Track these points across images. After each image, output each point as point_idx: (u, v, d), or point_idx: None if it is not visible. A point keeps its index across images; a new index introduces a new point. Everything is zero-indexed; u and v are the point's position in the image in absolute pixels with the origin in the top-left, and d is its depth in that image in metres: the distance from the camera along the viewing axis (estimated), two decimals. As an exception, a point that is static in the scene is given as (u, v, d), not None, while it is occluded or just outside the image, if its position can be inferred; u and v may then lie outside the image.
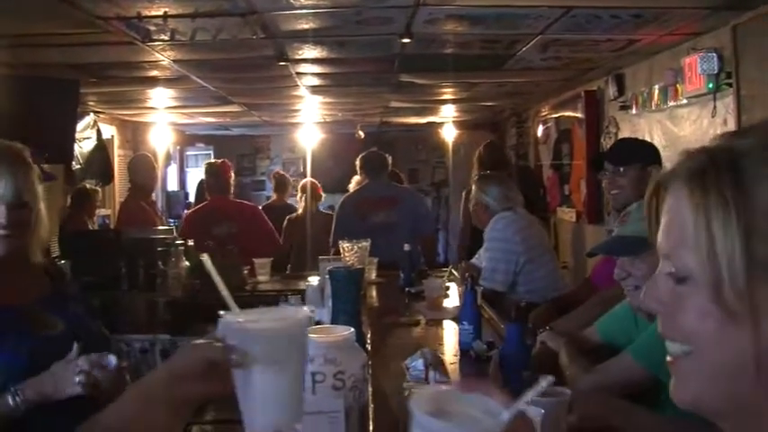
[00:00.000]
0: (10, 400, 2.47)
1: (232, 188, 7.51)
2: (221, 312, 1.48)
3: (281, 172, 11.54)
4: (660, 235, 1.15)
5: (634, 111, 7.00)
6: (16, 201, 2.72)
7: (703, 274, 1.06)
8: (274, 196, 10.63)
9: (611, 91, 7.46)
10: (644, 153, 4.27)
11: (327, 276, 3.13)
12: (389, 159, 7.35)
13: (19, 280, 2.91)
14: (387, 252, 5.84)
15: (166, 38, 5.46)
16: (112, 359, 2.48)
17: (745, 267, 1.03)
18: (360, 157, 7.28)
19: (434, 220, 8.74)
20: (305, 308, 1.49)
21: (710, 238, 1.05)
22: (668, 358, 1.14)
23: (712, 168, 1.09)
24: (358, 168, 7.25)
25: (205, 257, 1.68)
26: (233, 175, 7.60)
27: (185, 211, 12.51)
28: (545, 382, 1.13)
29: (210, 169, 7.58)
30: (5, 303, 2.77)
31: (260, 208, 8.41)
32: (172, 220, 11.01)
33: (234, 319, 1.43)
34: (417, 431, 1.05)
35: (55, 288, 3.01)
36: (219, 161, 7.81)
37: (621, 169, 4.15)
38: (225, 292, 1.54)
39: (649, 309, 1.16)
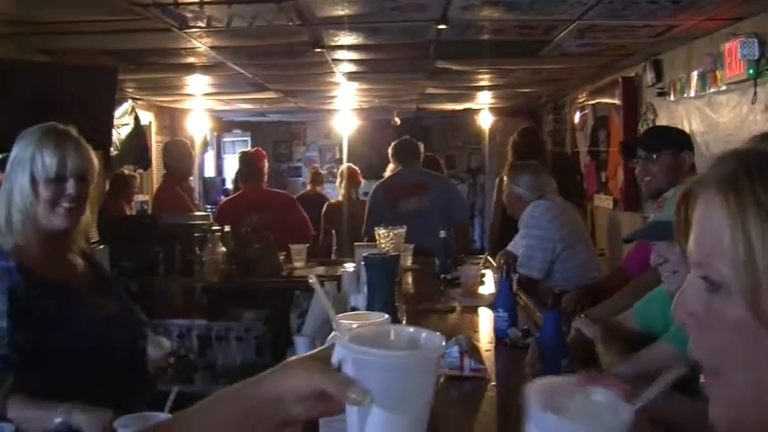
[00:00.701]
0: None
1: (266, 177, 7.54)
2: (337, 332, 1.30)
3: (317, 167, 11.59)
4: (692, 243, 1.11)
5: (672, 97, 6.93)
6: (82, 175, 2.78)
7: (738, 281, 1.02)
8: (309, 187, 10.68)
9: (649, 77, 7.39)
10: (676, 139, 4.24)
11: (363, 263, 3.13)
12: (422, 147, 7.34)
13: (71, 260, 2.97)
14: (419, 238, 5.84)
15: (203, 24, 5.48)
16: (166, 343, 2.45)
17: None
18: (392, 145, 7.28)
19: (468, 206, 8.69)
20: (432, 333, 1.20)
21: (749, 247, 1.02)
22: (701, 379, 1.11)
23: (745, 174, 1.06)
24: (390, 156, 7.25)
25: (313, 279, 1.64)
26: (266, 163, 7.62)
27: (222, 198, 12.60)
28: (672, 374, 1.09)
29: (244, 158, 7.61)
30: (65, 281, 2.84)
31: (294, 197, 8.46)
32: (209, 206, 11.06)
33: (358, 347, 1.12)
34: (533, 428, 1.02)
35: (96, 272, 3.06)
36: (253, 150, 7.83)
37: (654, 156, 4.12)
38: (333, 315, 1.47)
39: (680, 321, 1.12)
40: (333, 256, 7.92)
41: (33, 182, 2.74)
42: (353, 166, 9.32)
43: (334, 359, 1.16)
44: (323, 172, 11.29)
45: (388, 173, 7.76)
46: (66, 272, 2.90)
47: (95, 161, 2.90)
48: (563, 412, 1.01)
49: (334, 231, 8.65)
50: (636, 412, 1.01)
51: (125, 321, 2.94)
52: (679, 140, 4.22)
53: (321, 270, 6.23)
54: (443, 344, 1.19)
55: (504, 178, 5.65)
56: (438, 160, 9.62)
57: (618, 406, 1.01)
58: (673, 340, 2.69)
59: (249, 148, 8.47)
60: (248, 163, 7.48)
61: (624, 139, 8.01)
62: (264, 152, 7.84)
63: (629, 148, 4.51)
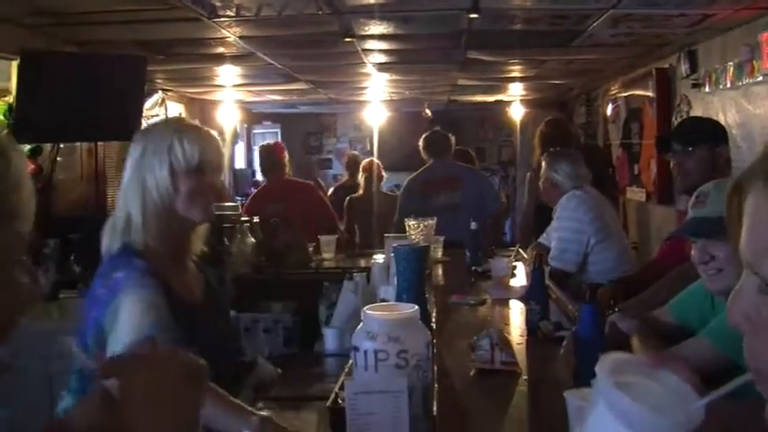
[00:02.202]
0: None
1: (287, 168, 7.58)
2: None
3: (355, 153, 11.48)
4: (743, 240, 1.02)
5: (707, 89, 6.82)
6: (219, 168, 2.83)
7: None
8: (346, 176, 10.61)
9: (684, 68, 7.29)
10: (711, 132, 4.16)
11: (393, 254, 3.10)
12: (453, 139, 7.29)
13: (189, 266, 2.91)
14: (451, 232, 5.81)
15: (232, 14, 5.45)
16: (273, 370, 2.31)
17: None
18: (423, 137, 7.26)
19: (502, 198, 8.61)
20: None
21: None
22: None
23: None
24: (421, 149, 7.21)
25: None
26: (287, 155, 7.66)
27: (252, 189, 12.62)
28: (742, 379, 1.03)
29: (264, 151, 7.71)
30: (189, 295, 2.78)
31: (331, 189, 8.44)
32: (239, 198, 11.06)
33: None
34: (602, 406, 0.99)
35: (208, 283, 2.98)
36: (273, 142, 7.90)
37: (690, 149, 4.06)
38: None
39: (734, 323, 1.03)
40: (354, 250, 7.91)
41: (172, 173, 2.66)
42: (376, 160, 9.23)
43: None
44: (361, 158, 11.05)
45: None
46: (186, 281, 2.82)
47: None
48: (630, 391, 0.98)
49: (356, 225, 8.59)
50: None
51: (230, 342, 2.88)
52: (714, 133, 4.15)
53: (350, 262, 6.21)
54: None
55: (543, 164, 5.59)
56: (470, 153, 9.56)
57: (686, 394, 0.99)
58: (711, 336, 2.63)
59: (276, 140, 8.48)
60: (268, 155, 7.54)
61: (657, 131, 7.93)
62: (283, 144, 7.86)
63: (664, 142, 4.44)
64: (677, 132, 4.58)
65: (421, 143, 7.23)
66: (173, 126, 2.80)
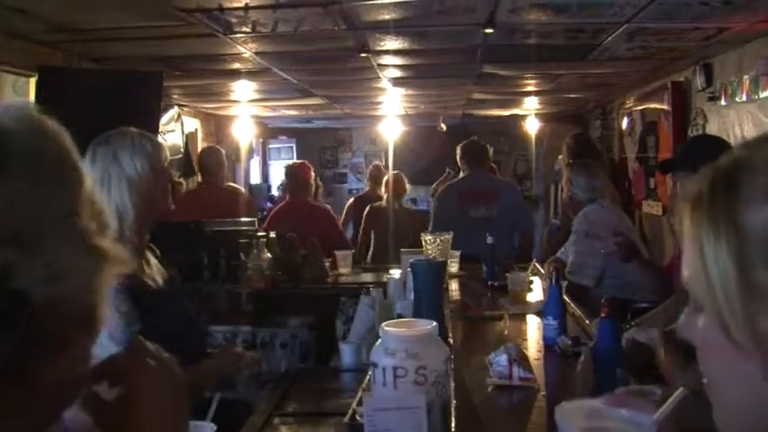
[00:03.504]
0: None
1: (312, 188, 7.61)
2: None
3: (378, 164, 11.45)
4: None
5: (723, 102, 6.80)
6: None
7: (708, 303, 0.99)
8: (368, 187, 10.59)
9: (699, 81, 7.27)
10: (715, 154, 4.09)
11: (409, 269, 3.09)
12: (491, 150, 7.31)
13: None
14: (486, 246, 5.77)
15: (248, 30, 5.47)
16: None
17: (740, 296, 0.95)
18: (460, 146, 7.26)
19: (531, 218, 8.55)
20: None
21: (704, 266, 0.98)
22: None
23: (709, 187, 1.02)
24: (458, 159, 7.21)
25: None
26: (313, 175, 7.66)
27: (268, 204, 12.62)
28: (681, 394, 1.08)
29: (288, 170, 7.69)
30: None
31: (351, 200, 8.42)
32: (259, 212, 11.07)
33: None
34: None
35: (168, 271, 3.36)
36: (299, 162, 7.89)
37: (693, 176, 4.03)
38: None
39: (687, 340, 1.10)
40: (368, 261, 7.89)
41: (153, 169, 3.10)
42: (400, 174, 9.20)
43: None
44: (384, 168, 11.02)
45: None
46: (148, 271, 3.14)
47: None
48: None
49: (372, 235, 8.54)
50: (658, 423, 1.03)
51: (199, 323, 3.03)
52: (717, 154, 4.08)
53: (367, 277, 6.21)
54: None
55: (564, 175, 5.59)
56: (495, 168, 9.60)
57: (640, 420, 1.06)
58: None
59: (295, 159, 8.50)
60: (293, 175, 7.54)
61: (674, 145, 7.91)
62: (309, 165, 7.85)
63: (666, 166, 4.43)
64: (680, 157, 4.54)
65: (458, 151, 7.23)
66: (133, 132, 3.24)
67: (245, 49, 6.25)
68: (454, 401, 2.37)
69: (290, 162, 8.31)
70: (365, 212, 8.67)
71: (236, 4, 4.76)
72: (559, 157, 9.01)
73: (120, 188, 3.01)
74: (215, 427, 2.14)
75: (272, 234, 5.83)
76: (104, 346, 1.26)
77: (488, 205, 6.78)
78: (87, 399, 1.24)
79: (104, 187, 2.99)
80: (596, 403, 1.14)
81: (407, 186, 9.32)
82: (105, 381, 1.25)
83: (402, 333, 2.04)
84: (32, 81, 5.61)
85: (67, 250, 1.00)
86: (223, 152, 7.93)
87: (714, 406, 1.06)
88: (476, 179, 6.98)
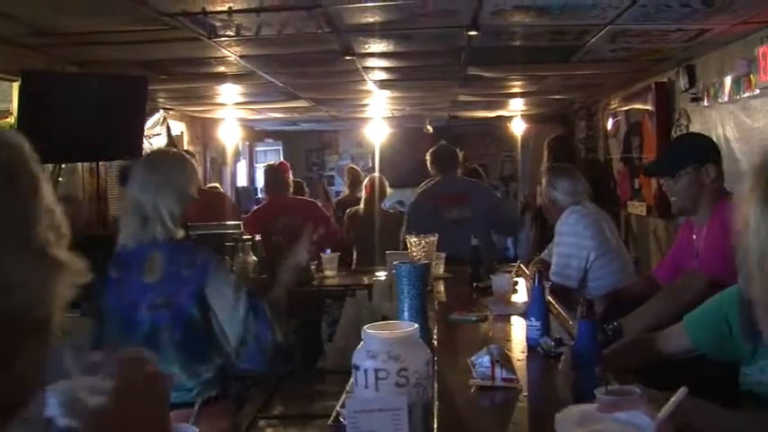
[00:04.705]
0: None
1: (291, 187, 7.66)
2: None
3: (355, 167, 11.47)
4: None
5: (706, 102, 6.85)
6: None
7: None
8: (347, 191, 10.59)
9: (682, 82, 7.32)
10: (695, 155, 4.10)
11: (394, 271, 3.10)
12: (461, 154, 7.30)
13: None
14: (461, 248, 5.79)
15: (232, 33, 5.48)
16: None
17: None
18: (430, 151, 7.25)
19: (511, 215, 8.53)
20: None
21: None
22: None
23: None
24: (429, 164, 7.21)
25: None
26: (291, 174, 7.71)
27: (255, 207, 12.61)
28: (683, 393, 1.12)
29: (269, 170, 7.74)
30: None
31: (333, 202, 8.44)
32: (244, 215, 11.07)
33: None
34: None
35: None
36: (277, 162, 7.94)
37: (674, 178, 4.05)
38: None
39: None
40: (353, 266, 7.89)
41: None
42: (381, 177, 9.19)
43: None
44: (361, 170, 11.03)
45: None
46: None
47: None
48: None
49: (354, 240, 8.54)
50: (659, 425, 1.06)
51: None
52: (699, 155, 4.08)
53: (353, 279, 6.22)
54: None
55: (543, 180, 5.61)
56: (478, 170, 9.61)
57: (640, 421, 1.10)
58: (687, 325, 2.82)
59: (278, 159, 8.51)
60: (273, 174, 7.57)
61: (658, 145, 7.96)
62: (288, 164, 7.90)
63: (649, 170, 4.46)
64: (662, 161, 4.56)
65: (428, 157, 7.23)
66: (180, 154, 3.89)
67: (230, 53, 6.25)
68: (437, 402, 2.39)
69: (269, 163, 8.32)
70: (345, 218, 8.69)
71: (219, 8, 4.77)
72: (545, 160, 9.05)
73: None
74: (197, 430, 2.15)
75: (258, 237, 5.83)
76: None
77: (461, 207, 6.79)
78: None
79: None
80: (588, 408, 1.17)
81: (388, 189, 9.31)
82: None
83: (383, 335, 2.05)
84: (15, 85, 5.60)
85: (19, 262, 1.00)
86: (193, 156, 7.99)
87: None
88: (447, 182, 6.98)
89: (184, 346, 3.39)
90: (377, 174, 9.24)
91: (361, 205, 8.78)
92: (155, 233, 3.46)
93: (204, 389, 3.40)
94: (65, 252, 1.08)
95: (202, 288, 3.40)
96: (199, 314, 3.39)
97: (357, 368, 2.05)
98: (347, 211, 8.82)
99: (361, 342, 2.10)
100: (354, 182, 10.28)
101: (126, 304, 3.45)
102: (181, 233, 3.55)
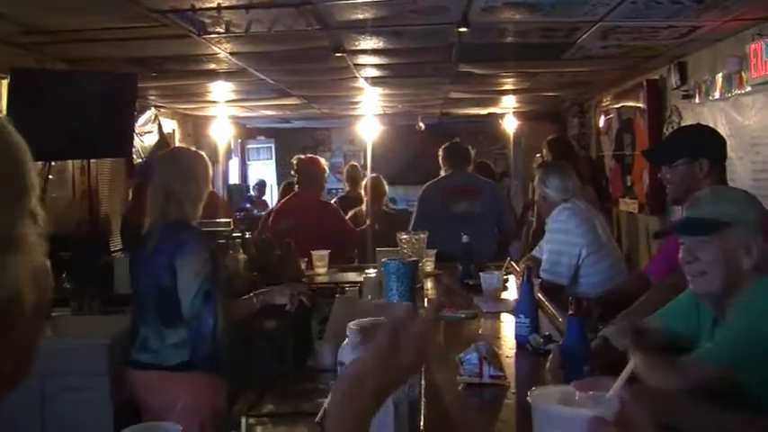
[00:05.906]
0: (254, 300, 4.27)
1: (324, 184, 7.67)
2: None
3: (355, 164, 11.42)
4: None
5: (697, 100, 6.85)
6: None
7: None
8: (347, 188, 10.56)
9: (674, 80, 7.31)
10: (691, 148, 4.10)
11: (383, 268, 3.10)
12: (473, 152, 7.35)
13: None
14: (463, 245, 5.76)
15: (221, 30, 5.47)
16: None
17: None
18: (442, 147, 7.29)
19: (513, 216, 8.52)
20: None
21: None
22: None
23: None
24: (441, 159, 7.23)
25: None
26: (325, 170, 7.59)
27: (247, 204, 12.61)
28: (630, 366, 1.20)
29: (298, 165, 7.56)
30: None
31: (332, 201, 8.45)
32: (237, 213, 11.05)
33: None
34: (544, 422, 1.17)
35: None
36: (309, 156, 7.77)
37: (670, 165, 4.06)
38: None
39: None
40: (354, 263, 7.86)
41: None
42: (379, 178, 9.14)
43: None
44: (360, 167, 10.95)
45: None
46: None
47: None
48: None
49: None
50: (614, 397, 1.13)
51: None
52: (695, 148, 4.08)
53: (343, 276, 6.21)
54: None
55: (536, 176, 5.61)
56: (491, 166, 9.65)
57: (599, 398, 1.14)
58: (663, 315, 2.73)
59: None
60: (305, 169, 7.46)
61: (649, 142, 7.96)
62: (319, 158, 7.77)
63: (648, 159, 4.46)
64: (660, 148, 4.59)
65: (440, 153, 7.26)
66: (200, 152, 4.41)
67: (221, 50, 6.24)
68: (424, 399, 2.38)
69: (301, 156, 8.10)
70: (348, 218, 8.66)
71: (208, 5, 4.75)
72: (537, 155, 9.06)
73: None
74: (180, 428, 2.14)
75: (248, 234, 5.82)
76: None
77: (471, 201, 6.82)
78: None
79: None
80: (568, 388, 1.22)
81: (386, 188, 9.29)
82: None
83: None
84: (5, 83, 5.58)
85: None
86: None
87: None
88: (457, 177, 7.02)
89: (157, 311, 3.93)
90: (373, 174, 9.20)
91: (363, 207, 8.76)
92: (170, 216, 3.98)
93: (174, 352, 3.91)
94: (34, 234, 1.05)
95: (174, 258, 3.87)
96: (170, 283, 3.87)
97: (342, 365, 2.04)
98: (350, 212, 8.79)
99: (346, 339, 2.09)
100: (354, 179, 10.26)
101: (134, 276, 4.15)
102: (194, 222, 4.08)
